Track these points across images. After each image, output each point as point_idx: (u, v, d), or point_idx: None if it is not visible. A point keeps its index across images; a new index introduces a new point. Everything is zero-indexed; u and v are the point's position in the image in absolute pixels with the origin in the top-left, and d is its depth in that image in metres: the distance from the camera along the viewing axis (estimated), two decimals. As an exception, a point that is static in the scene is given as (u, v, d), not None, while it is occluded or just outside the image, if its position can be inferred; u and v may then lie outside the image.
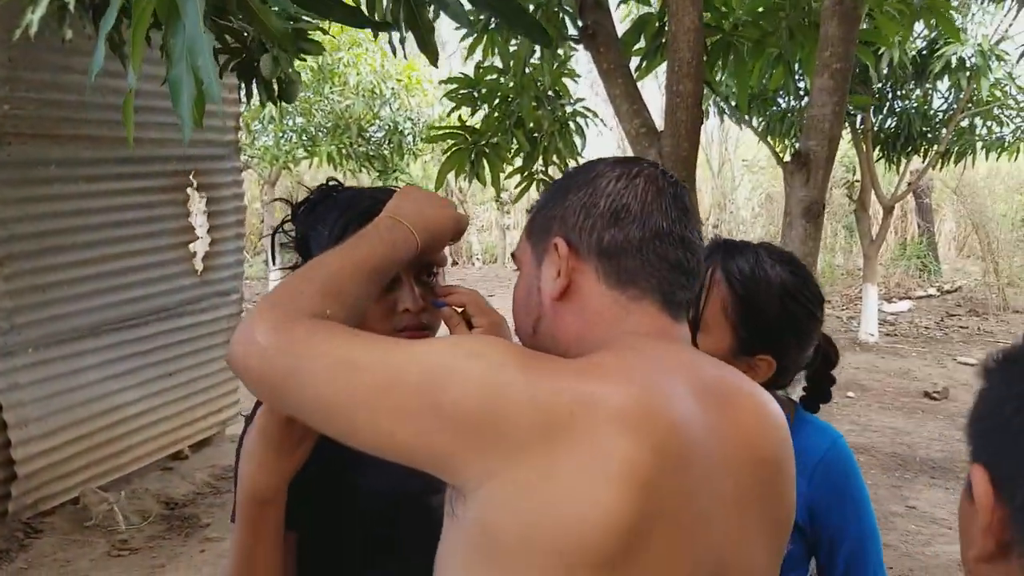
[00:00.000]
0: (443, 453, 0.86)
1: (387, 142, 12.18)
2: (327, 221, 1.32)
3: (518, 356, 0.88)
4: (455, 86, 5.05)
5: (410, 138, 12.29)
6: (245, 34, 4.25)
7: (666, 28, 3.83)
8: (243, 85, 4.40)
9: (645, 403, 0.86)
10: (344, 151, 11.85)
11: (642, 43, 4.03)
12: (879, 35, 3.85)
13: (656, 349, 0.97)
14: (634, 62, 4.07)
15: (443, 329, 1.29)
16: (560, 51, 4.77)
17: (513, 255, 1.16)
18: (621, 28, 4.02)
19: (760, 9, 3.90)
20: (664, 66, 4.33)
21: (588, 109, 5.18)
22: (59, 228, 4.53)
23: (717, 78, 4.71)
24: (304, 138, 11.83)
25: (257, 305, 1.00)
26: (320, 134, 11.80)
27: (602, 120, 5.45)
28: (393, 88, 11.51)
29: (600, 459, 0.83)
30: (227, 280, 5.86)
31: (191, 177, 5.41)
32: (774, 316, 1.41)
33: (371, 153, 12.18)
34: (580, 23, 3.82)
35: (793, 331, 1.44)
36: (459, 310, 1.27)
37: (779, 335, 1.42)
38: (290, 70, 4.26)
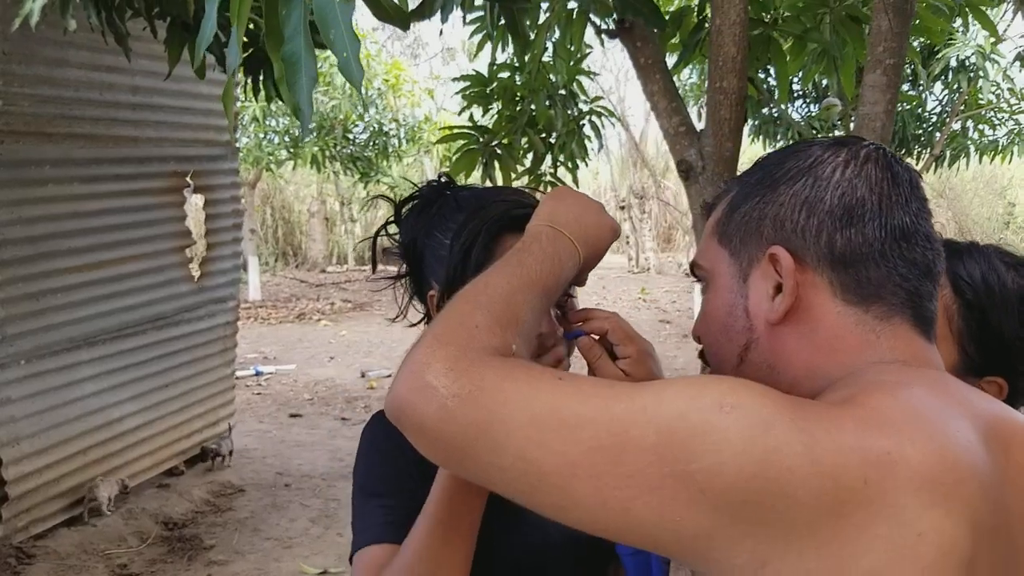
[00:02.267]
0: (696, 535, 0.67)
1: (371, 144, 11.93)
2: (447, 226, 1.10)
3: (783, 405, 0.68)
4: (468, 84, 4.86)
5: (395, 140, 12.05)
6: (252, 25, 4.02)
7: (706, 22, 3.68)
8: (249, 80, 4.17)
9: (951, 461, 0.67)
10: (328, 153, 11.59)
11: (678, 38, 3.87)
12: (925, 30, 3.70)
13: (925, 383, 0.77)
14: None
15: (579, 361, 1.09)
16: (574, 48, 4.59)
17: (694, 264, 0.94)
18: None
19: (801, 4, 3.74)
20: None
21: (604, 108, 5.00)
22: (54, 232, 4.26)
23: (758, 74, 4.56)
24: (287, 139, 11.54)
25: (422, 340, 0.78)
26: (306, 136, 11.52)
27: (619, 119, 5.28)
28: (379, 88, 11.26)
29: (909, 540, 0.64)
30: (224, 287, 5.59)
31: (188, 179, 5.15)
32: (1011, 331, 1.19)
33: (355, 155, 11.92)
34: (617, 16, 3.64)
35: None
36: (597, 338, 1.06)
37: (1014, 353, 1.20)
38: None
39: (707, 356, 0.93)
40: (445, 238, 1.09)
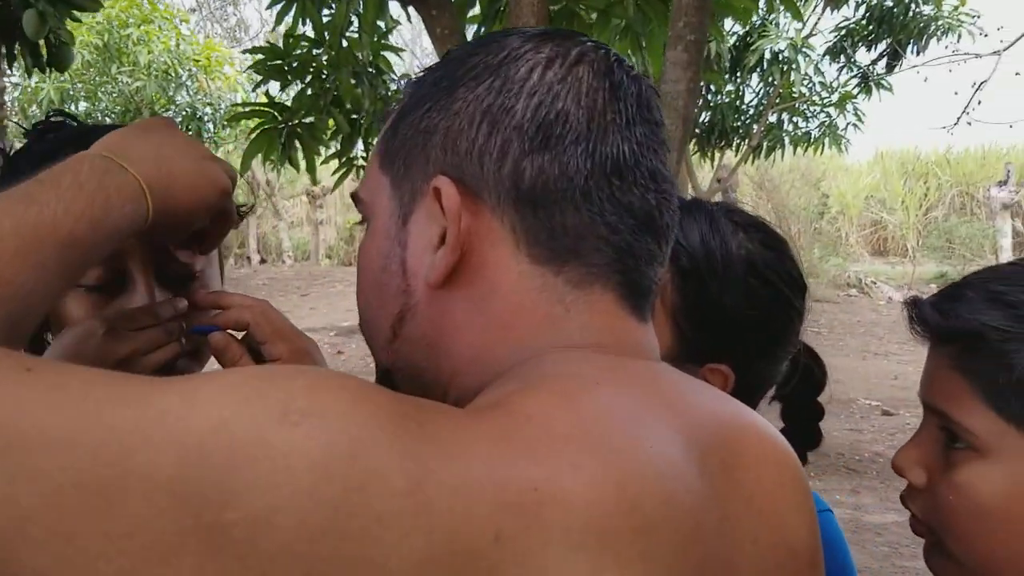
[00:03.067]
0: None
1: (184, 129, 11.20)
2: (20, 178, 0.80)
3: (387, 414, 0.43)
4: (261, 57, 4.49)
5: (210, 125, 11.39)
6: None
7: (505, -8, 3.49)
8: (3, 49, 3.68)
9: (633, 497, 0.44)
10: (136, 139, 10.80)
11: (478, 8, 3.67)
12: (729, 7, 3.64)
13: (621, 378, 0.54)
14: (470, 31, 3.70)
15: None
16: (381, 22, 4.31)
17: (354, 196, 0.66)
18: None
19: (604, -24, 3.61)
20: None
21: (413, 87, 4.74)
22: None
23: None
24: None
25: None
26: (108, 119, 10.68)
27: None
28: (190, 70, 10.58)
29: None
30: None
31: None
32: (734, 305, 0.94)
33: (167, 141, 11.17)
34: (409, -19, 3.40)
35: (762, 329, 0.96)
36: (239, 335, 0.77)
37: (741, 334, 0.95)
38: (60, 30, 3.56)
39: (361, 327, 0.65)
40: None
